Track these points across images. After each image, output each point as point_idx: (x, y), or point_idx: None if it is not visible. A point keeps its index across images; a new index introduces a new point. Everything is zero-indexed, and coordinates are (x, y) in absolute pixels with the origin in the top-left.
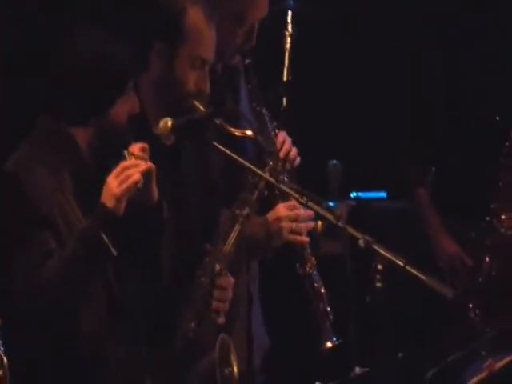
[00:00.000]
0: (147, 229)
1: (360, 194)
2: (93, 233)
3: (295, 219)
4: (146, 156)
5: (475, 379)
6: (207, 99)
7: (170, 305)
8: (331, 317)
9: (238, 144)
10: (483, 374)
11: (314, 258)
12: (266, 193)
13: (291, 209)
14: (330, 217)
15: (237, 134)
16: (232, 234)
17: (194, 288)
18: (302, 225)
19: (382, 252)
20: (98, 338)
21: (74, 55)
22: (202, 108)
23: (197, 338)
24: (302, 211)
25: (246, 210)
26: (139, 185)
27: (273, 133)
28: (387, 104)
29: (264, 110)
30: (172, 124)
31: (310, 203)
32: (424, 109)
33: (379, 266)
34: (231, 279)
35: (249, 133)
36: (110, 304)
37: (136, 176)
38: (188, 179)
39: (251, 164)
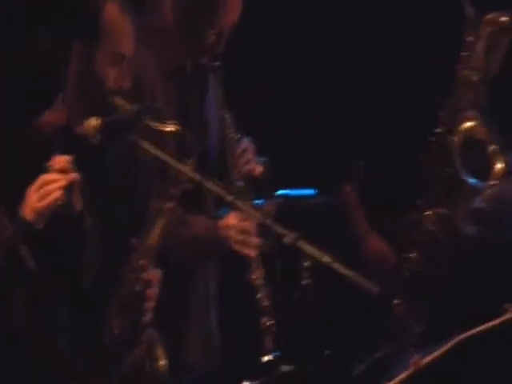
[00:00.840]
0: (69, 238)
1: (287, 191)
2: (11, 245)
3: (244, 231)
4: (70, 167)
5: (402, 375)
6: (129, 96)
7: (97, 305)
8: (273, 331)
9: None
10: (410, 370)
11: (261, 269)
12: (190, 187)
13: (242, 220)
14: (257, 215)
15: (160, 129)
16: (156, 228)
17: (120, 285)
18: (252, 239)
19: (308, 249)
20: (21, 340)
21: None
22: (124, 105)
23: (123, 335)
24: (252, 225)
25: (170, 204)
26: (59, 202)
27: (235, 138)
28: (315, 100)
29: (227, 115)
30: (98, 123)
31: (236, 201)
32: (352, 105)
33: (306, 264)
34: (157, 273)
35: (170, 128)
36: (33, 308)
37: (56, 193)
38: (114, 178)
39: (174, 160)
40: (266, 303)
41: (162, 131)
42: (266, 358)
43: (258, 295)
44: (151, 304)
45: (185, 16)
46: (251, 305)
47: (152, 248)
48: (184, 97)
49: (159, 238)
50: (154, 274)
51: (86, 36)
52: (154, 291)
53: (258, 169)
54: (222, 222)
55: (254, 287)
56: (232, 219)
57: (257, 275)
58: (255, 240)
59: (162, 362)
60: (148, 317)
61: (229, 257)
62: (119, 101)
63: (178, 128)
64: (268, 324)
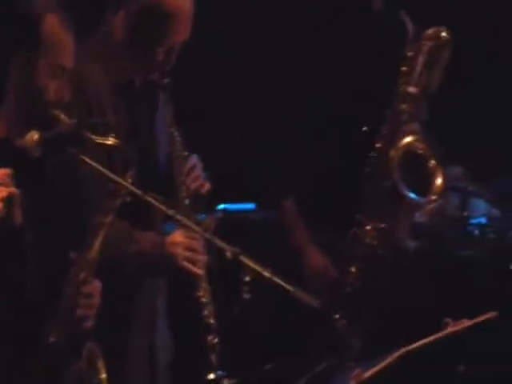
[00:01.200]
0: (9, 251)
1: (228, 205)
2: None
3: (191, 248)
4: (9, 181)
5: None
6: (70, 108)
7: (38, 318)
8: (218, 349)
9: None
10: None
11: (208, 287)
12: (128, 200)
13: (189, 237)
14: (197, 229)
15: (98, 142)
16: (96, 242)
17: (61, 298)
18: (199, 256)
19: (249, 263)
20: None
21: None
22: (64, 118)
23: (63, 348)
24: (199, 243)
25: (109, 218)
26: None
27: (183, 155)
28: (255, 114)
29: (176, 132)
30: (38, 137)
31: (177, 215)
32: (292, 119)
33: (247, 278)
34: (97, 285)
35: (109, 142)
36: None
37: None
38: (54, 192)
39: (113, 173)
40: (211, 321)
41: (102, 144)
42: (211, 376)
43: (204, 312)
44: (92, 317)
45: (134, 32)
46: (198, 322)
47: (92, 261)
48: (133, 112)
49: (99, 252)
50: (95, 287)
51: (26, 47)
52: (94, 303)
53: (207, 186)
54: (169, 239)
55: (201, 305)
56: (179, 236)
57: (203, 293)
58: (202, 258)
59: (103, 376)
60: (89, 330)
61: (176, 274)
62: (59, 114)
63: (117, 141)
64: (213, 342)
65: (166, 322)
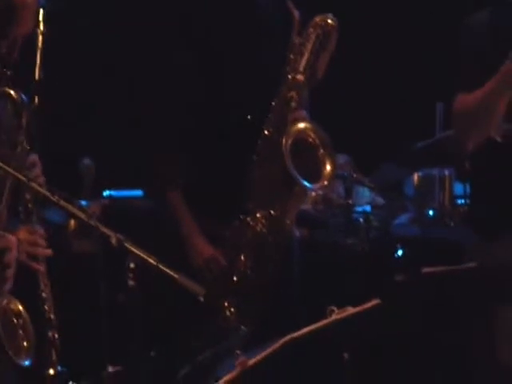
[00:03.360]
0: None
1: (114, 192)
2: None
3: (33, 243)
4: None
5: (228, 376)
6: None
7: None
8: (57, 344)
9: None
10: (236, 370)
11: (48, 282)
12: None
13: (31, 233)
14: (82, 215)
15: None
16: None
17: None
18: (40, 251)
19: (134, 250)
20: None
21: None
22: None
23: None
24: (41, 238)
25: None
26: None
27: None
28: (141, 104)
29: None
30: None
31: (61, 201)
32: (176, 107)
33: (132, 265)
34: (13, 238)
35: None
36: None
37: None
38: None
39: None
40: (51, 316)
41: None
42: (51, 372)
43: (45, 308)
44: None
45: None
46: (40, 318)
47: None
48: None
49: None
50: (10, 240)
51: None
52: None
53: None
54: (13, 236)
55: (42, 300)
56: (22, 233)
57: (43, 288)
58: (43, 253)
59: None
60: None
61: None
62: None
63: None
64: (53, 337)
65: None
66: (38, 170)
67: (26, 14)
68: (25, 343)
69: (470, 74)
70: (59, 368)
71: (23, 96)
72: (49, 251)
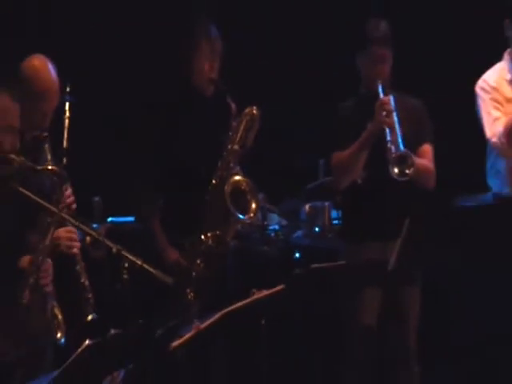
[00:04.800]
0: None
1: (115, 218)
2: None
3: (70, 239)
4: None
5: (188, 335)
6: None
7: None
8: (92, 302)
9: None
10: (193, 332)
11: (82, 264)
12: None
13: (68, 231)
14: (94, 233)
15: (39, 168)
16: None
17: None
18: (75, 243)
19: (127, 255)
20: None
21: None
22: (16, 159)
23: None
24: (75, 235)
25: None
26: None
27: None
28: (131, 161)
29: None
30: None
31: (81, 224)
32: (155, 168)
33: (125, 264)
34: (49, 263)
35: (50, 167)
36: None
37: None
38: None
39: (40, 198)
40: (86, 283)
41: (42, 170)
42: (89, 317)
43: (81, 281)
44: (50, 284)
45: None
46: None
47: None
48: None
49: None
50: (49, 265)
51: None
52: (49, 274)
53: (74, 206)
54: (55, 234)
55: (78, 274)
56: (61, 232)
57: (79, 268)
58: (77, 244)
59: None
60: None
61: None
62: (13, 156)
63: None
64: (88, 298)
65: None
66: (71, 200)
67: (53, 95)
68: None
69: (342, 140)
70: (94, 315)
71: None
72: (79, 244)
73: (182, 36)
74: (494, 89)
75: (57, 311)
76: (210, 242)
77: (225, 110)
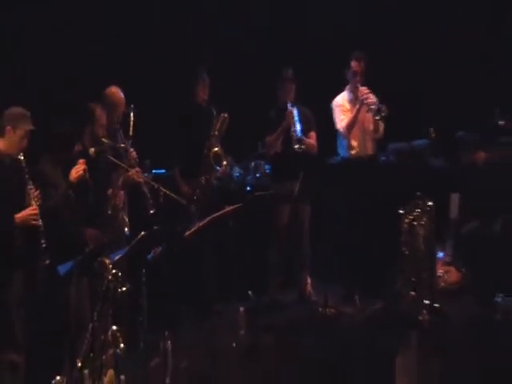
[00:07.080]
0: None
1: (156, 170)
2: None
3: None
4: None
5: (192, 229)
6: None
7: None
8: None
9: None
10: (195, 227)
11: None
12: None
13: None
14: (148, 180)
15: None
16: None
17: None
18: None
19: (162, 189)
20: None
21: None
22: (106, 142)
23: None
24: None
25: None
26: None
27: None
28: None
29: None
30: (94, 150)
31: (143, 174)
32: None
33: (161, 193)
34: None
35: (122, 145)
36: None
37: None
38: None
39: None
40: (148, 195)
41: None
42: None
43: (144, 190)
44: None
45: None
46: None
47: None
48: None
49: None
50: (120, 194)
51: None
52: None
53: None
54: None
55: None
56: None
57: (147, 190)
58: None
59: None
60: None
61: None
62: (104, 140)
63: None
64: (150, 202)
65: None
66: (134, 156)
67: (121, 104)
68: None
69: (270, 130)
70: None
71: (128, 146)
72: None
73: (190, 77)
74: (341, 105)
75: (125, 217)
76: (203, 181)
77: (211, 115)
